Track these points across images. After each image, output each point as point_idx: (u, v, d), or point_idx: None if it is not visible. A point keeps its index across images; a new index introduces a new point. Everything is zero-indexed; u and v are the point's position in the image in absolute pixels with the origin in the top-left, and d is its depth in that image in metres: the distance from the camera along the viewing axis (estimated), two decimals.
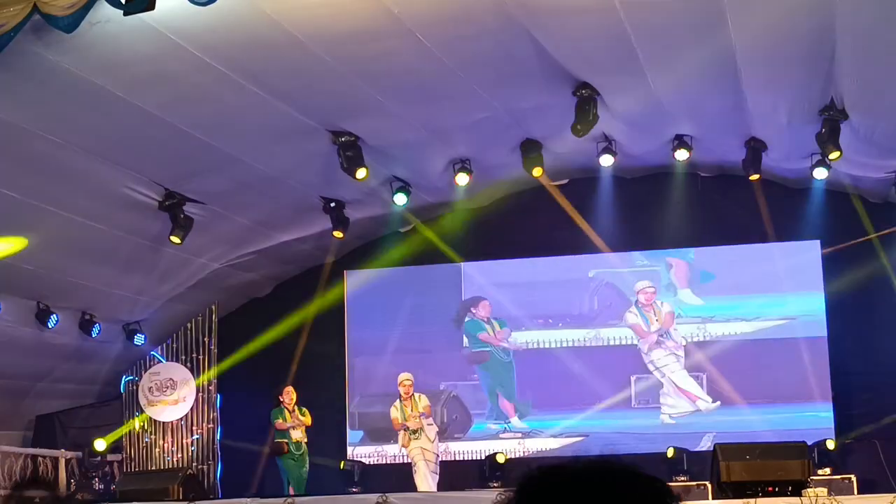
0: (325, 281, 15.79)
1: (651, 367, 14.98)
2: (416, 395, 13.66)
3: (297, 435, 13.85)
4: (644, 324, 15.01)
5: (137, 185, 12.13)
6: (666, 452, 13.82)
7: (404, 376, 13.71)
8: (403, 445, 13.64)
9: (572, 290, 15.30)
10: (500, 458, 14.17)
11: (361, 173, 12.32)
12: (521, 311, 15.34)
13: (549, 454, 14.86)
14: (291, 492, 13.46)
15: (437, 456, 13.69)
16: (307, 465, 13.96)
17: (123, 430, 15.07)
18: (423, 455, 13.39)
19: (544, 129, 12.90)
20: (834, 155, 11.94)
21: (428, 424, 13.55)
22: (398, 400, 13.67)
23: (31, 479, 13.53)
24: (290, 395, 13.97)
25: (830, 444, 13.25)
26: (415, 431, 13.41)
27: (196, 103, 10.74)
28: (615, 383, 14.94)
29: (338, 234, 14.36)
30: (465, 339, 15.55)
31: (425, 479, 13.31)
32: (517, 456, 14.80)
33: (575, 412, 14.99)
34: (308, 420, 13.92)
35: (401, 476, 14.01)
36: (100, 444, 14.65)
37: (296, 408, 13.92)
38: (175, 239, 12.72)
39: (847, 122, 11.51)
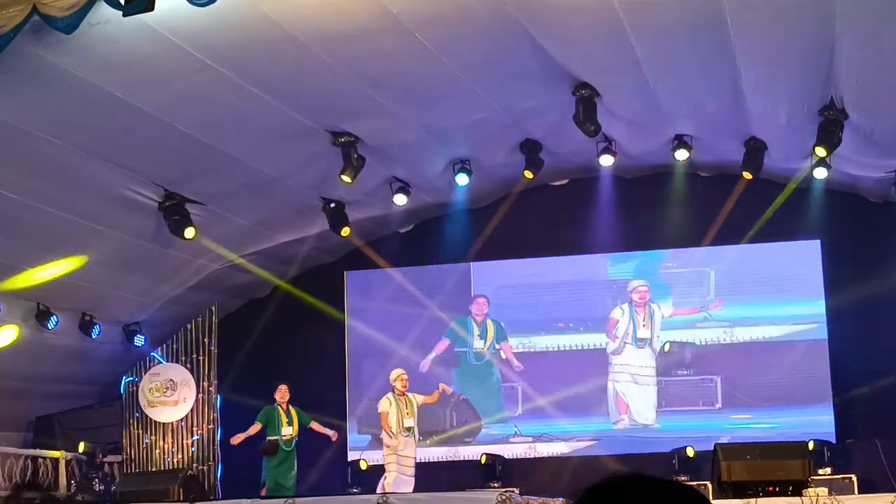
0: (324, 282, 15.79)
1: (615, 369, 14.91)
2: (410, 394, 13.10)
3: (288, 433, 13.51)
4: (630, 324, 14.93)
5: (137, 185, 12.13)
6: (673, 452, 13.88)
7: (399, 371, 13.27)
8: (388, 446, 12.92)
9: (590, 293, 15.29)
10: (484, 459, 14.21)
11: (346, 178, 12.30)
12: (528, 314, 15.30)
13: (559, 459, 14.84)
14: (263, 493, 13.14)
15: (415, 460, 13.11)
16: (293, 467, 13.55)
17: None
18: (399, 461, 12.73)
19: (544, 129, 12.91)
20: (821, 152, 11.92)
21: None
22: (391, 394, 13.09)
23: (30, 482, 13.53)
24: (281, 393, 13.60)
25: (811, 446, 13.21)
26: (408, 429, 12.80)
27: (195, 104, 10.73)
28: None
29: (345, 231, 14.32)
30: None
31: (397, 486, 12.55)
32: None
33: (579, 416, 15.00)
34: (296, 421, 13.55)
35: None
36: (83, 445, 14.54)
37: (289, 406, 13.62)
38: (189, 232, 12.70)
39: (847, 121, 11.50)
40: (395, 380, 13.20)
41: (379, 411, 13.11)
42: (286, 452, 13.53)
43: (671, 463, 13.91)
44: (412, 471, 12.94)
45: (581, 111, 11.52)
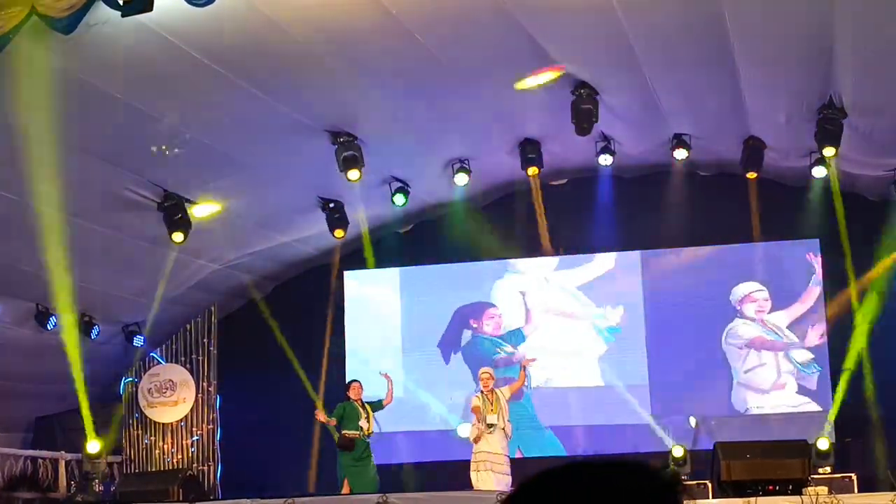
0: (324, 282, 15.78)
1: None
2: (497, 390, 12.60)
3: (366, 426, 12.99)
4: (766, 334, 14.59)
5: (136, 186, 12.12)
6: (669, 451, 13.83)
7: (485, 368, 12.86)
8: (474, 440, 12.42)
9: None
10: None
11: (354, 174, 12.28)
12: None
13: (559, 458, 14.81)
14: (346, 490, 12.75)
15: (506, 457, 12.61)
16: (372, 463, 13.08)
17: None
18: (489, 458, 12.31)
19: (543, 128, 12.91)
20: (829, 152, 11.92)
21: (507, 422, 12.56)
22: (479, 392, 12.62)
23: (23, 479, 13.53)
24: (355, 390, 13.15)
25: (825, 444, 13.21)
26: (490, 426, 12.31)
27: (194, 104, 10.74)
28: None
29: (339, 233, 14.34)
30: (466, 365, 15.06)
31: (489, 483, 12.16)
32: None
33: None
34: (371, 416, 13.12)
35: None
36: (93, 447, 14.42)
37: (363, 403, 13.14)
38: (177, 237, 12.67)
39: (846, 120, 11.51)
40: (480, 378, 12.72)
41: (472, 407, 12.64)
42: (364, 445, 13.05)
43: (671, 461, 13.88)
44: (504, 468, 12.46)
45: (576, 111, 11.53)
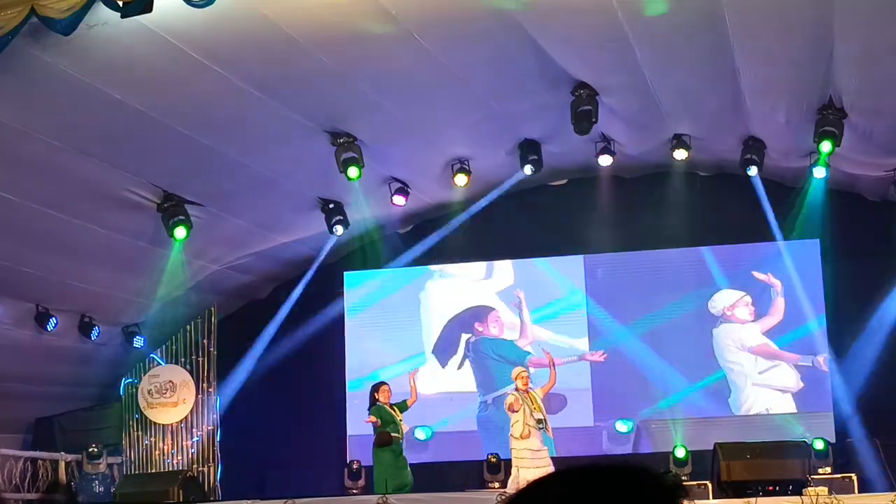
0: (323, 282, 15.77)
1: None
2: (531, 390, 12.18)
3: (402, 429, 12.75)
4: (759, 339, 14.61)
5: (136, 187, 12.12)
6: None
7: (520, 369, 12.40)
8: (523, 437, 11.92)
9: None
10: (494, 459, 14.09)
11: (353, 172, 12.26)
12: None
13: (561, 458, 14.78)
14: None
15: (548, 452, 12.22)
16: (407, 463, 12.82)
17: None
18: (533, 456, 11.90)
19: (543, 129, 12.91)
20: (826, 148, 11.89)
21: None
22: (515, 391, 12.15)
23: (55, 483, 13.58)
24: (386, 393, 12.79)
25: (820, 444, 13.21)
26: (539, 421, 11.95)
27: (194, 105, 10.73)
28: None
29: (338, 231, 14.34)
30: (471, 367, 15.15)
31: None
32: None
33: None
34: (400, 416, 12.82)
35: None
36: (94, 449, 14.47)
37: (392, 405, 12.79)
38: (180, 232, 12.63)
39: (846, 120, 11.51)
40: (517, 378, 12.24)
41: (508, 405, 12.16)
42: (400, 448, 12.76)
43: (673, 462, 13.89)
44: (549, 463, 12.01)
45: (576, 111, 11.52)
